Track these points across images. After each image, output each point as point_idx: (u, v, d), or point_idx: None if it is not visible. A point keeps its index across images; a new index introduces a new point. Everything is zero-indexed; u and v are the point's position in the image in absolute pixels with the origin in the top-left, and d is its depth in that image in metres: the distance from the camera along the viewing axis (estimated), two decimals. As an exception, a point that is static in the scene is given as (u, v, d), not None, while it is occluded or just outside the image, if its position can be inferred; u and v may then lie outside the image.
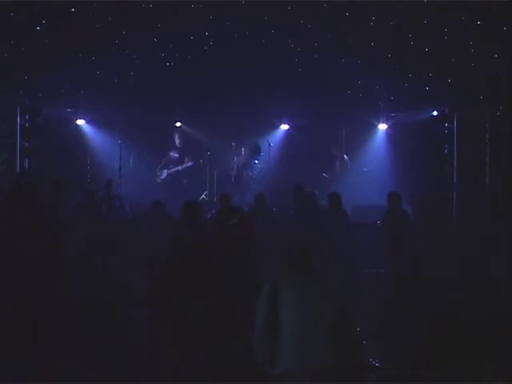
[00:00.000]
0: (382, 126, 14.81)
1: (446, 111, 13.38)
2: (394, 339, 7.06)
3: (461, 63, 10.50)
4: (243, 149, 14.70)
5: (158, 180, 14.84)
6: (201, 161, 14.68)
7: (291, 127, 15.04)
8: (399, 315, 7.84)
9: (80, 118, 14.43)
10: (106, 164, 14.64)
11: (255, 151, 14.42)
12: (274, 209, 10.44)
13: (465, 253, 9.73)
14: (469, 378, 5.81)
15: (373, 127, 14.88)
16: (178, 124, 15.08)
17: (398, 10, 9.13)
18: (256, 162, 14.72)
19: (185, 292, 5.07)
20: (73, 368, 5.89)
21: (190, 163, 14.65)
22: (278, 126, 15.13)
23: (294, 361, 4.24)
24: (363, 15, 9.43)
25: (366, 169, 14.81)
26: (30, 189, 6.04)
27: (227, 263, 5.03)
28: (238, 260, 5.05)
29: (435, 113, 13.72)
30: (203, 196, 14.34)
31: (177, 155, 14.92)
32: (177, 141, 15.06)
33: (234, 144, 14.78)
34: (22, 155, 12.94)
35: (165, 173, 14.80)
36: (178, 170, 14.76)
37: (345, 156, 14.97)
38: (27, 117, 13.18)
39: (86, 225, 7.90)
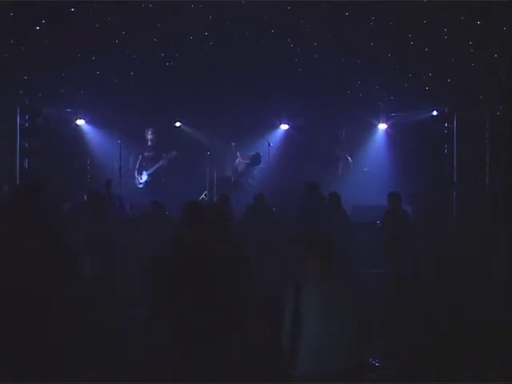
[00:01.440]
0: (382, 126, 14.83)
1: (446, 111, 13.40)
2: (394, 339, 7.05)
3: (461, 63, 10.51)
4: (238, 153, 14.67)
5: (139, 185, 14.54)
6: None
7: (291, 127, 15.05)
8: (399, 315, 7.84)
9: (80, 118, 14.43)
10: (106, 164, 14.62)
11: (255, 161, 14.29)
12: (274, 209, 10.45)
13: (465, 253, 9.72)
14: (469, 377, 5.81)
15: (373, 127, 14.91)
16: (178, 124, 15.06)
17: (398, 10, 9.12)
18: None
19: (185, 292, 5.07)
20: (73, 368, 5.89)
21: (172, 154, 14.25)
22: (277, 126, 15.14)
23: (314, 362, 4.15)
24: (363, 15, 9.42)
25: (366, 169, 14.81)
26: (31, 188, 6.03)
27: (226, 263, 5.03)
28: (236, 260, 5.06)
29: (435, 113, 13.75)
30: (203, 196, 14.31)
31: (152, 153, 14.59)
32: (149, 139, 14.68)
33: (233, 144, 14.77)
34: (21, 155, 12.94)
35: (144, 175, 14.51)
36: (160, 166, 14.37)
37: (348, 157, 14.97)
38: (27, 117, 13.18)
39: (86, 225, 7.89)
